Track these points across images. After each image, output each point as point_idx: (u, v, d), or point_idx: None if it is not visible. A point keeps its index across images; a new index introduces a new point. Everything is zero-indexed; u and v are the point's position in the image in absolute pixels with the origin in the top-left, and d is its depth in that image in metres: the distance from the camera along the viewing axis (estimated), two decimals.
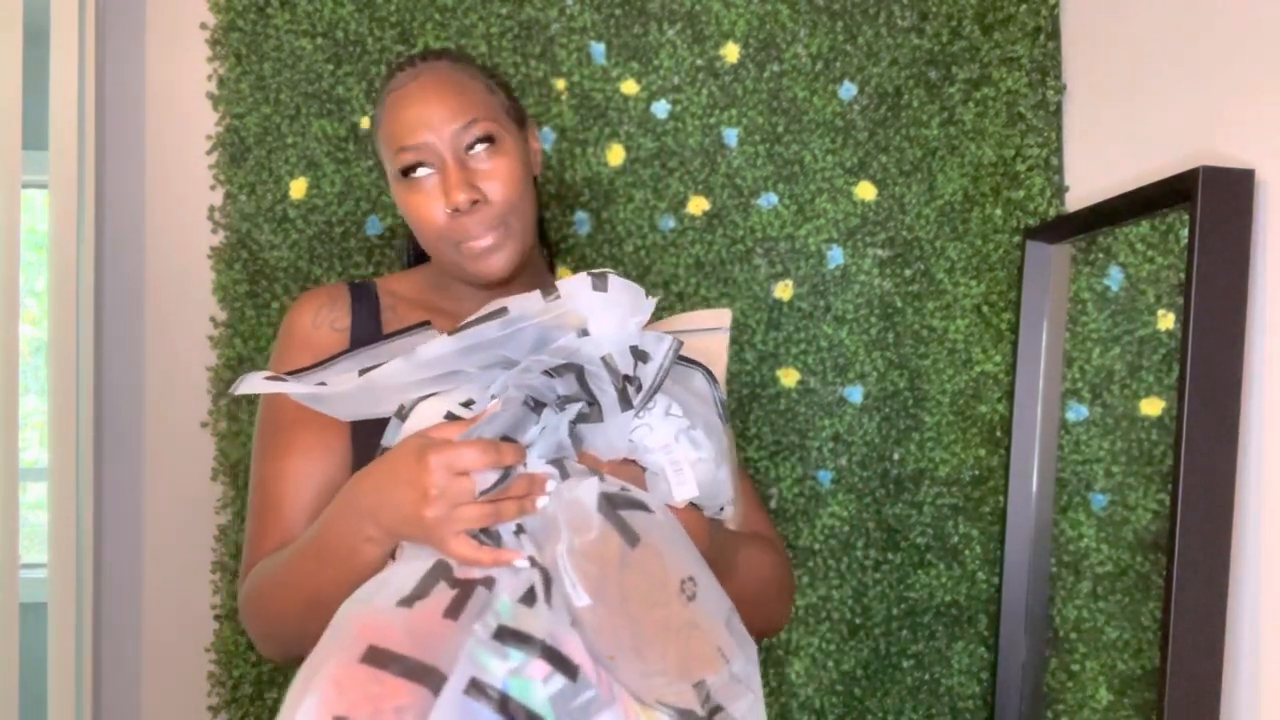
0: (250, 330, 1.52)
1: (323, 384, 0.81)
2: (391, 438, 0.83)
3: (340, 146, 1.54)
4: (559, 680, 0.68)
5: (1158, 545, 1.36)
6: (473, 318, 0.78)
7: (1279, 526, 1.07)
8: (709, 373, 0.88)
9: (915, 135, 1.55)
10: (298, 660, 0.77)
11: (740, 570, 0.89)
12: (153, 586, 1.54)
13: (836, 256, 1.55)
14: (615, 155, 1.55)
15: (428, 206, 0.93)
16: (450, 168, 0.92)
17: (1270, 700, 1.07)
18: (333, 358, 0.86)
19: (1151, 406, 1.37)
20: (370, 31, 1.54)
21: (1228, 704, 1.10)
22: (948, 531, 1.53)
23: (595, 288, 0.78)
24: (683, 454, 0.80)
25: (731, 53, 1.55)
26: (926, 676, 1.53)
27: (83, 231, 1.47)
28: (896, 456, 1.54)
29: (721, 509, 0.87)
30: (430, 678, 0.66)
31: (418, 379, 0.80)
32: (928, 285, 1.55)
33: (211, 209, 1.54)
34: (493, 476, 0.73)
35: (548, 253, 1.19)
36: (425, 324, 0.91)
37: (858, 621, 1.53)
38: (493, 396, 0.78)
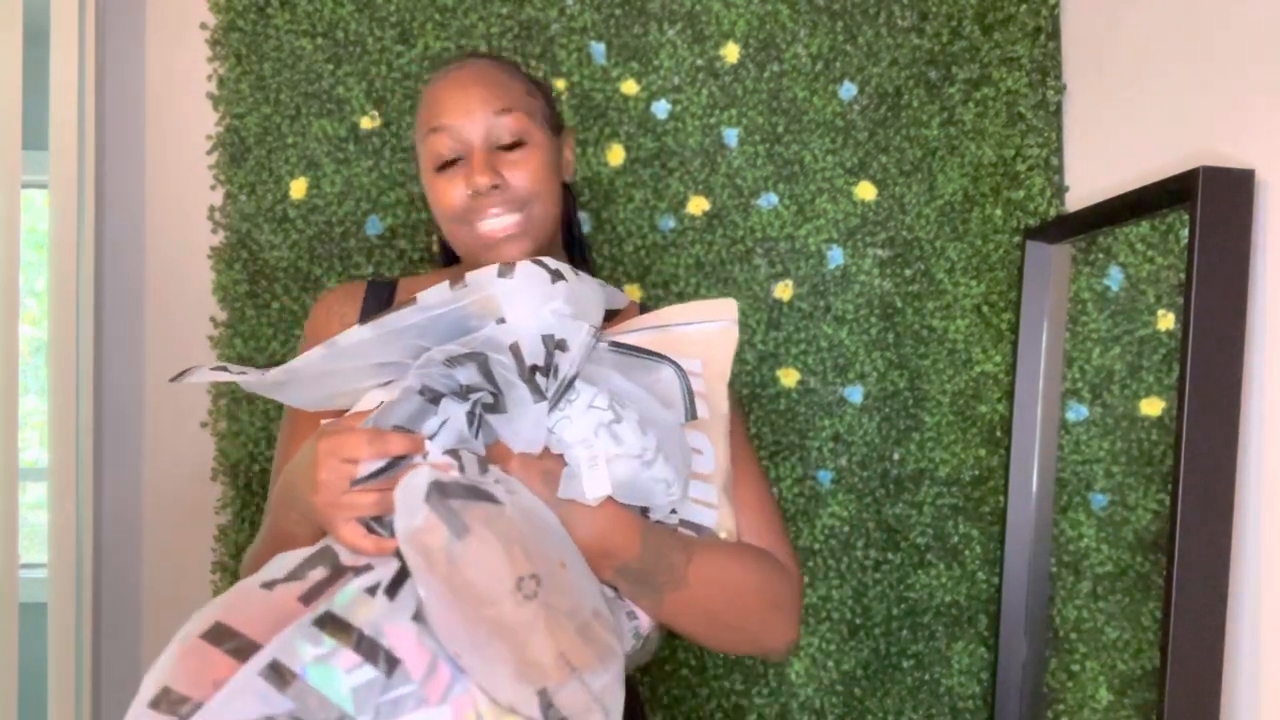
0: (250, 330, 1.52)
1: (263, 372, 0.80)
2: None
3: (340, 146, 1.54)
4: (367, 671, 0.65)
5: (1158, 545, 1.36)
6: (391, 309, 0.78)
7: (1279, 526, 1.07)
8: (679, 368, 0.85)
9: (915, 135, 1.55)
10: None
11: (697, 580, 0.83)
12: (153, 586, 1.54)
13: (836, 256, 1.55)
14: (615, 155, 1.55)
15: (449, 189, 0.94)
16: (476, 151, 0.94)
17: (1270, 700, 1.07)
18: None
19: (1151, 406, 1.37)
20: (370, 31, 1.54)
21: (1228, 704, 1.10)
22: (948, 531, 1.53)
23: (501, 274, 0.76)
24: (601, 449, 0.77)
25: (731, 53, 1.55)
26: (926, 676, 1.53)
27: (83, 231, 1.47)
28: (896, 456, 1.54)
29: (673, 511, 0.84)
30: (252, 656, 0.66)
31: (365, 365, 0.79)
32: (928, 285, 1.55)
33: (211, 209, 1.54)
34: (377, 465, 0.72)
35: (586, 267, 1.16)
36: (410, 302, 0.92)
37: (858, 621, 1.53)
38: (394, 389, 0.78)
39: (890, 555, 1.53)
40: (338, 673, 0.65)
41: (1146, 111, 1.31)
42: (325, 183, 1.53)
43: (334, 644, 0.66)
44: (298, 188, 1.53)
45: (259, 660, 0.64)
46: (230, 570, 1.52)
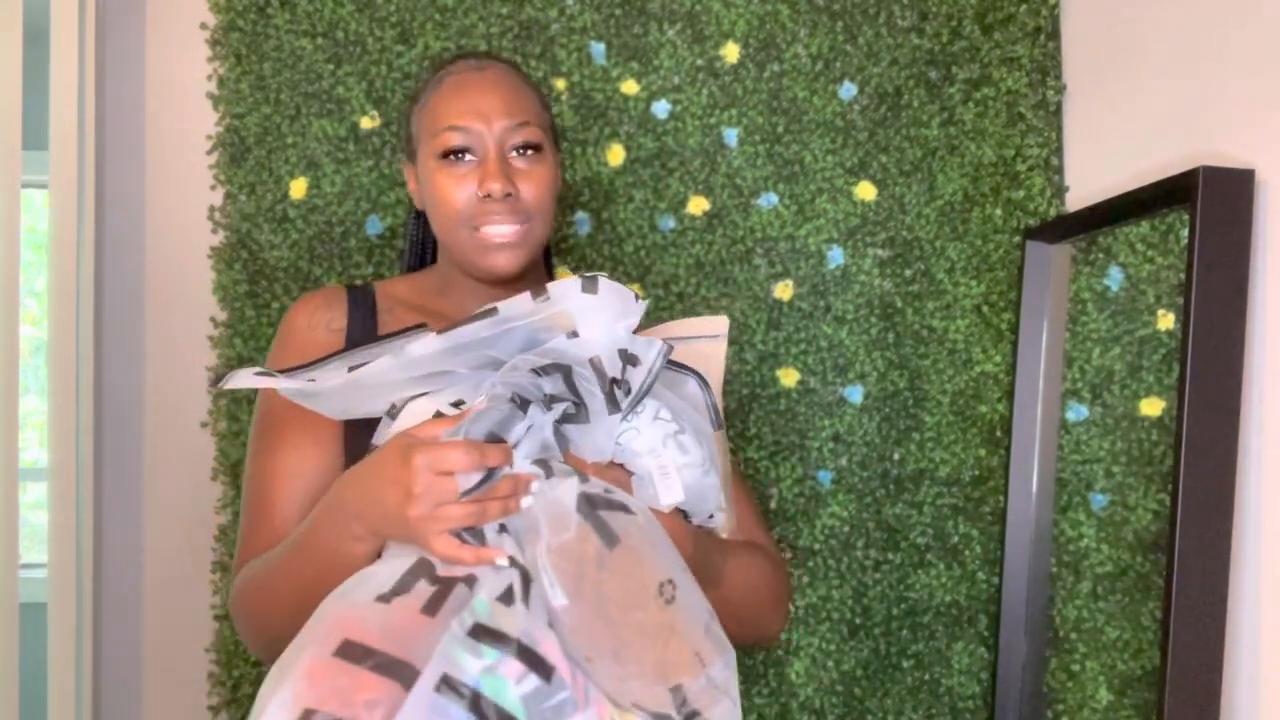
0: (250, 330, 1.52)
1: (312, 380, 0.81)
2: (382, 436, 0.83)
3: (340, 146, 1.54)
4: (533, 680, 0.67)
5: (1158, 545, 1.36)
6: (463, 318, 0.79)
7: (1279, 526, 1.07)
8: (702, 379, 0.88)
9: (915, 135, 1.55)
10: (271, 659, 0.77)
11: (727, 578, 0.88)
12: (153, 586, 1.54)
13: (836, 256, 1.55)
14: (615, 155, 1.55)
15: (458, 188, 0.95)
16: (492, 158, 0.95)
17: (1270, 700, 1.07)
18: (326, 357, 0.86)
19: (1151, 406, 1.37)
20: (370, 31, 1.54)
21: (1228, 704, 1.10)
22: (948, 531, 1.53)
23: (585, 290, 0.78)
24: (669, 459, 0.80)
25: (731, 53, 1.55)
26: (926, 676, 1.53)
27: (83, 231, 1.47)
28: (896, 456, 1.54)
29: (711, 516, 0.87)
30: (403, 673, 0.66)
31: (407, 377, 0.80)
32: (928, 285, 1.55)
33: (211, 209, 1.54)
34: (476, 477, 0.72)
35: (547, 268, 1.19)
36: (421, 326, 0.91)
37: (858, 621, 1.53)
38: (481, 396, 0.78)
39: (890, 555, 1.53)
40: (507, 683, 0.67)
41: (1146, 111, 1.31)
42: (325, 183, 1.53)
43: (497, 654, 0.67)
44: (298, 188, 1.53)
45: (430, 676, 0.65)
46: (230, 570, 1.52)
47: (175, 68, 1.56)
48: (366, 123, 1.54)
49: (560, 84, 1.55)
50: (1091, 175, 1.44)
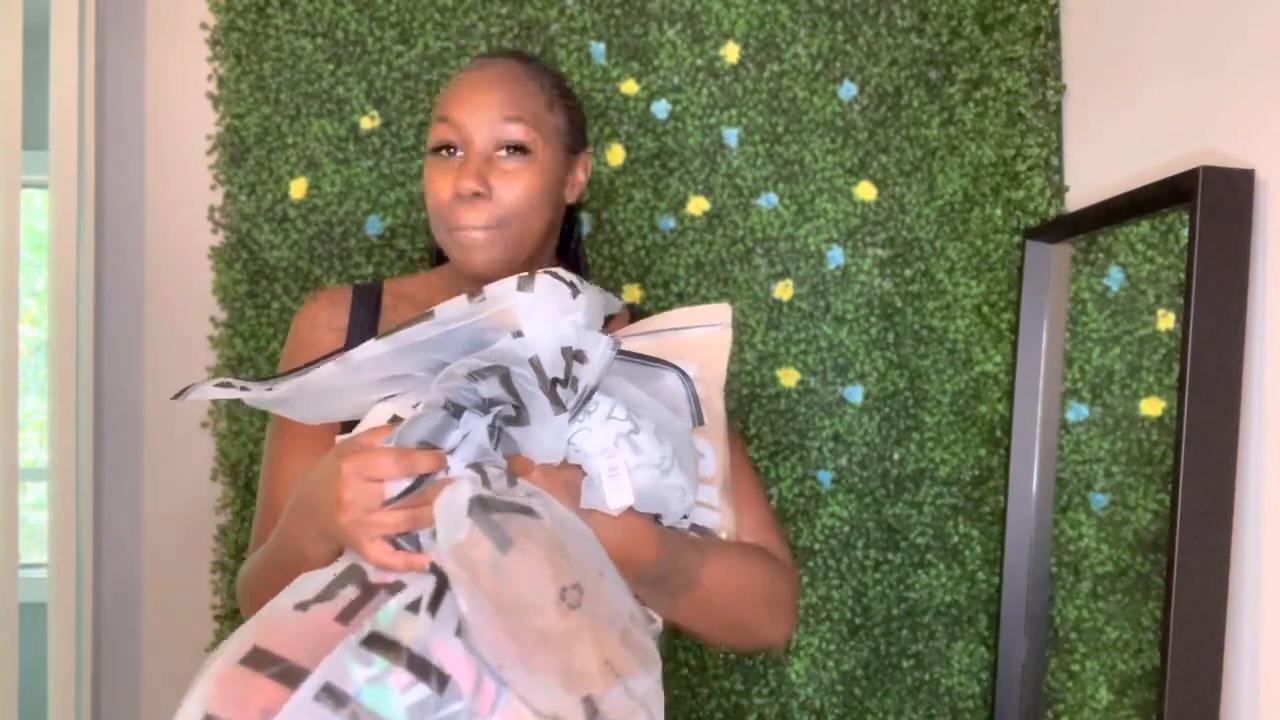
0: (250, 330, 1.52)
1: (268, 389, 0.79)
2: None
3: (340, 146, 1.54)
4: (421, 690, 0.66)
5: (1158, 545, 1.36)
6: (404, 322, 0.78)
7: (1279, 526, 1.07)
8: (684, 373, 0.86)
9: (915, 135, 1.55)
10: None
11: (707, 581, 0.86)
12: (153, 586, 1.54)
13: (836, 256, 1.55)
14: (615, 155, 1.55)
15: (440, 184, 0.94)
16: (473, 155, 0.94)
17: (1270, 700, 1.07)
18: (319, 359, 0.84)
19: (1151, 406, 1.37)
20: (370, 31, 1.54)
21: (1228, 704, 1.10)
22: (948, 531, 1.53)
23: (521, 288, 0.76)
24: (622, 459, 0.77)
25: (731, 53, 1.55)
26: (926, 676, 1.53)
27: (83, 231, 1.47)
28: (896, 456, 1.54)
29: (685, 516, 0.85)
30: (300, 680, 0.66)
31: (369, 380, 0.79)
32: (928, 285, 1.55)
33: (211, 209, 1.54)
34: (404, 484, 0.72)
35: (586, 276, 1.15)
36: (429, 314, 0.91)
37: (858, 621, 1.53)
38: (417, 403, 0.77)
39: (890, 555, 1.53)
40: (392, 692, 0.65)
41: (1146, 111, 1.31)
42: (325, 183, 1.53)
43: (385, 664, 0.66)
44: (298, 188, 1.53)
45: (312, 684, 0.64)
46: (230, 570, 1.52)
47: (175, 68, 1.56)
48: (366, 123, 1.54)
49: None
50: (1091, 175, 1.44)
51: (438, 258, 1.13)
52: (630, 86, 1.55)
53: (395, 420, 0.78)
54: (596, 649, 0.70)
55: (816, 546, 1.53)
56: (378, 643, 0.67)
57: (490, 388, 0.75)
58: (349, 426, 0.90)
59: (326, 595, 0.71)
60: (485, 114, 0.93)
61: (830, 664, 1.53)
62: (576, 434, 0.78)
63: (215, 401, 1.52)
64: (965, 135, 1.55)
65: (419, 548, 0.73)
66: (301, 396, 0.80)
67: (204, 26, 1.55)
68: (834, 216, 1.55)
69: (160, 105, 1.56)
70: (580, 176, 1.03)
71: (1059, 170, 1.49)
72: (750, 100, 1.55)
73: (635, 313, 1.05)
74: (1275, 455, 1.07)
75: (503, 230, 0.94)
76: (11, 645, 1.39)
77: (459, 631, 0.69)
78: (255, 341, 1.52)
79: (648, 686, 0.71)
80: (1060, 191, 1.49)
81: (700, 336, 0.89)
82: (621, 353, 0.83)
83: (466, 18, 1.55)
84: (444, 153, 0.95)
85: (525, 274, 0.77)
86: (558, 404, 0.76)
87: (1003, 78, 1.52)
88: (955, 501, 1.53)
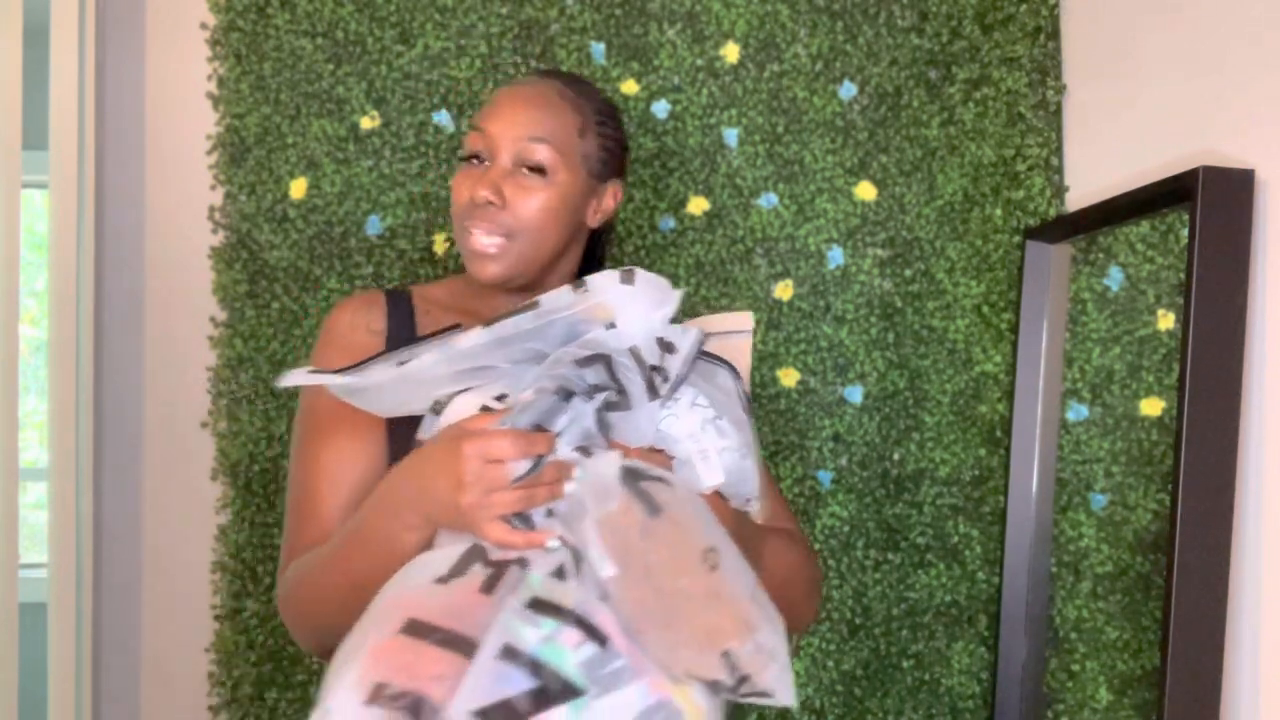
0: (250, 330, 1.52)
1: (361, 375, 0.84)
2: (427, 431, 0.86)
3: (340, 146, 1.54)
4: (590, 648, 0.70)
5: (1158, 545, 1.36)
6: (506, 312, 0.83)
7: (1279, 526, 1.07)
8: (733, 369, 0.91)
9: (915, 135, 1.55)
10: (322, 651, 0.81)
11: (766, 564, 0.89)
12: (153, 586, 1.54)
13: (836, 256, 1.55)
14: None
15: (462, 188, 0.98)
16: (496, 167, 0.98)
17: (1270, 700, 1.07)
18: (370, 359, 0.88)
19: (1151, 406, 1.37)
20: (370, 31, 1.54)
21: (1228, 704, 1.10)
22: (948, 531, 1.53)
23: (622, 281, 0.81)
24: (709, 442, 0.82)
25: (731, 53, 1.55)
26: (926, 676, 1.53)
27: (83, 231, 1.47)
28: (896, 456, 1.54)
29: (748, 501, 0.89)
30: (466, 647, 0.69)
31: (453, 371, 0.83)
32: (928, 285, 1.55)
33: (211, 209, 1.54)
34: (525, 464, 0.76)
35: None
36: (456, 326, 0.93)
37: (858, 621, 1.53)
38: (525, 389, 0.81)
39: (890, 555, 1.53)
40: (566, 650, 0.70)
41: (1146, 111, 1.31)
42: (325, 183, 1.53)
43: (554, 624, 0.71)
44: (298, 188, 1.53)
45: (492, 646, 0.68)
46: (230, 570, 1.52)
47: (175, 68, 1.56)
48: (366, 123, 1.54)
49: None
50: (1091, 175, 1.44)
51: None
52: (630, 86, 1.55)
53: (485, 410, 0.81)
54: (733, 606, 0.74)
55: (816, 546, 1.53)
56: (542, 606, 0.71)
57: (597, 374, 0.80)
58: (392, 422, 0.93)
59: (459, 571, 0.75)
60: (513, 130, 0.97)
61: (830, 664, 1.53)
62: (664, 420, 0.82)
63: (215, 401, 1.52)
64: (965, 135, 1.55)
65: (531, 525, 0.77)
66: (395, 386, 0.84)
67: (204, 26, 1.55)
68: (834, 216, 1.55)
69: (160, 105, 1.56)
70: (608, 203, 1.05)
71: (1059, 170, 1.49)
72: (750, 100, 1.55)
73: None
74: (1275, 455, 1.08)
75: (512, 242, 0.97)
76: (11, 645, 1.39)
77: (603, 597, 0.73)
78: (255, 341, 1.52)
79: (775, 640, 0.75)
80: (1060, 191, 1.49)
81: (727, 343, 0.94)
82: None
83: (466, 18, 1.55)
84: (473, 161, 0.99)
85: (626, 268, 0.82)
86: (653, 391, 0.81)
87: (1003, 78, 1.52)
88: (955, 501, 1.53)
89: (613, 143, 1.04)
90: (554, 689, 0.68)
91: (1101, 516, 1.42)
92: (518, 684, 0.67)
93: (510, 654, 0.68)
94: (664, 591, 0.73)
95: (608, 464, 0.77)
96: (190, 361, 1.54)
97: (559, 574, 0.75)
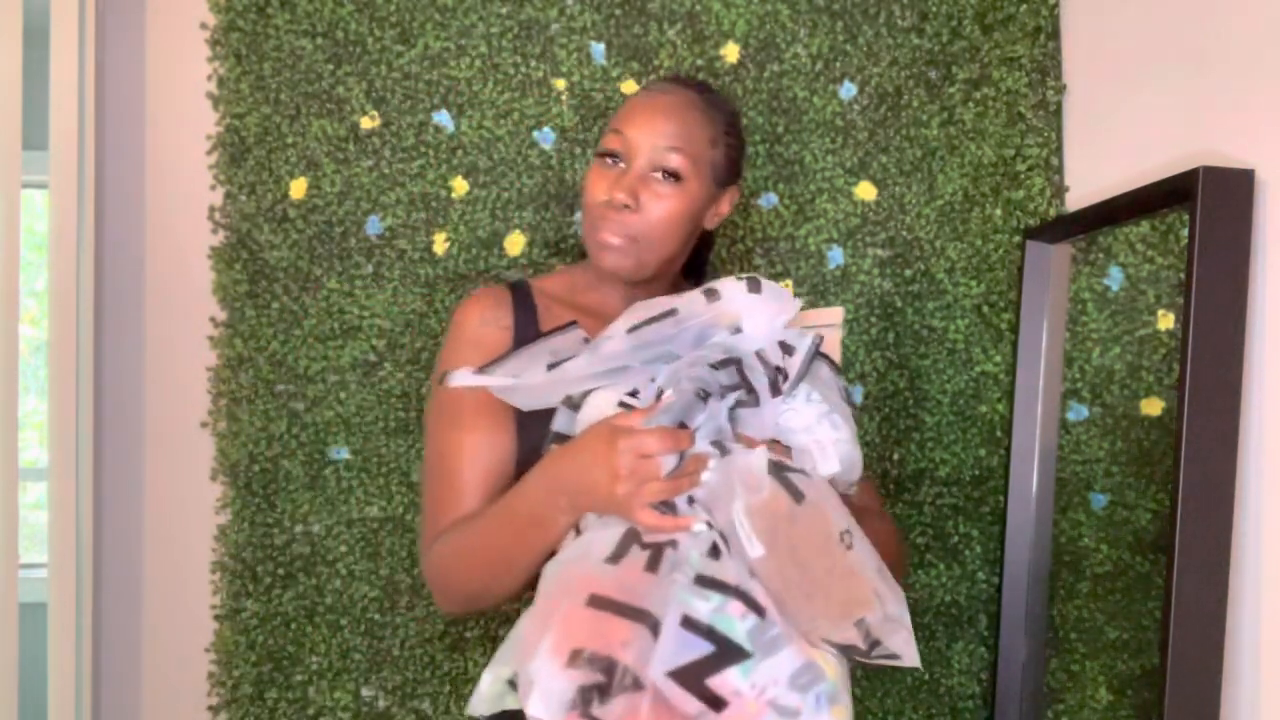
0: (250, 330, 1.52)
1: (516, 378, 0.95)
2: (564, 424, 0.96)
3: (340, 146, 1.54)
4: (752, 618, 0.80)
5: (1158, 545, 1.36)
6: (645, 318, 0.93)
7: (1279, 526, 1.07)
8: (833, 363, 0.99)
9: (915, 135, 1.55)
10: (474, 613, 0.93)
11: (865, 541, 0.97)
12: (153, 586, 1.54)
13: (836, 256, 1.55)
14: None
15: (596, 185, 1.06)
16: (633, 170, 1.05)
17: (1270, 700, 1.07)
18: (501, 357, 1.00)
19: (1151, 406, 1.37)
20: (370, 31, 1.54)
21: (1228, 704, 1.10)
22: (948, 531, 1.53)
23: (750, 290, 0.92)
24: (825, 435, 0.92)
25: (731, 53, 1.55)
26: (926, 676, 1.53)
27: (83, 231, 1.47)
28: (896, 456, 1.54)
29: (850, 486, 0.97)
30: (645, 618, 0.79)
31: (596, 371, 0.93)
32: (928, 285, 1.55)
33: (211, 209, 1.54)
34: (673, 459, 0.86)
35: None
36: (572, 324, 1.03)
37: None
38: (660, 389, 0.91)
39: None
40: (734, 620, 0.80)
41: (1146, 111, 1.31)
42: (325, 183, 1.53)
43: (721, 598, 0.81)
44: (298, 188, 1.53)
45: (674, 616, 0.79)
46: (230, 570, 1.52)
47: (175, 68, 1.56)
48: (366, 123, 1.54)
49: (560, 84, 1.55)
50: (1091, 175, 1.44)
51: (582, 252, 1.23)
52: (630, 86, 1.55)
53: (624, 405, 0.92)
54: (866, 581, 0.84)
55: None
56: (708, 582, 0.81)
57: (729, 375, 0.90)
58: (522, 413, 1.02)
59: (623, 552, 0.84)
60: (652, 138, 1.04)
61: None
62: (784, 415, 0.92)
63: (215, 401, 1.52)
64: (965, 135, 1.55)
65: (675, 512, 0.87)
66: (545, 386, 0.95)
67: (204, 26, 1.55)
68: (834, 216, 1.55)
69: (160, 105, 1.56)
70: (724, 208, 1.13)
71: (1059, 170, 1.49)
72: (750, 100, 1.55)
73: None
74: (1275, 455, 1.08)
75: (637, 245, 1.05)
76: (11, 645, 1.39)
77: (751, 574, 0.83)
78: (255, 341, 1.52)
79: (900, 610, 0.84)
80: (1060, 191, 1.49)
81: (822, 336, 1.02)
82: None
83: (466, 18, 1.55)
84: (608, 159, 1.06)
85: (750, 277, 0.93)
86: (775, 390, 0.91)
87: (1003, 78, 1.52)
88: (955, 501, 1.54)
89: (735, 151, 1.11)
90: (728, 652, 0.78)
91: (1101, 516, 1.42)
92: (699, 648, 0.78)
93: (690, 623, 0.79)
94: (807, 568, 0.82)
95: (756, 457, 0.85)
96: (190, 361, 1.54)
97: (714, 553, 0.84)
